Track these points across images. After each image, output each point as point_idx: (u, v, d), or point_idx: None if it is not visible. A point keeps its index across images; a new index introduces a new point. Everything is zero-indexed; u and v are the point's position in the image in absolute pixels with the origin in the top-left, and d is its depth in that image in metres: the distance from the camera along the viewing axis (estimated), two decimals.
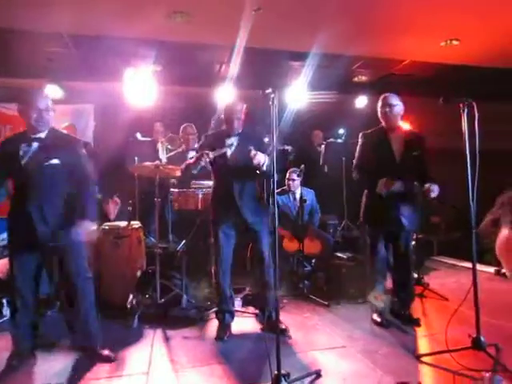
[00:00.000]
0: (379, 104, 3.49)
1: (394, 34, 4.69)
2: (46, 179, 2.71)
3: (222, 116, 3.44)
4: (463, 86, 5.44)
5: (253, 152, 3.09)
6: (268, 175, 3.19)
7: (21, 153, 2.70)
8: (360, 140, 3.64)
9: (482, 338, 2.70)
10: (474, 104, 2.60)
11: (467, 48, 5.04)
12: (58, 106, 6.01)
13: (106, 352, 2.86)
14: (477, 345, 2.69)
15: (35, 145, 2.73)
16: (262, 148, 3.25)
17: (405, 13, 4.15)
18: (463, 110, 2.69)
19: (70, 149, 2.84)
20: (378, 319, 3.48)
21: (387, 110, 3.41)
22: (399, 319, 3.51)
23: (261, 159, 3.13)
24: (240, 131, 3.36)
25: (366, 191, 3.61)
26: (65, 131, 3.76)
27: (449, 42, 4.86)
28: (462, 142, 2.69)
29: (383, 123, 3.50)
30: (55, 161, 2.72)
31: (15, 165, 2.68)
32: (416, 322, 3.44)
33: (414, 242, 3.54)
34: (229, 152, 3.31)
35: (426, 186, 3.23)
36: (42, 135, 2.77)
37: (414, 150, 3.41)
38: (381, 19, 4.31)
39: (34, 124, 2.72)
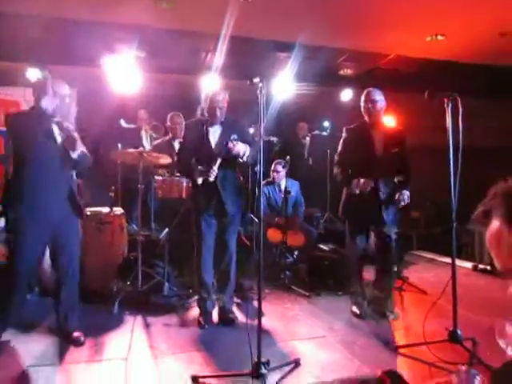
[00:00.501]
0: (362, 99, 3.51)
1: (380, 27, 4.71)
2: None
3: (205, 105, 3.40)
4: (447, 81, 5.50)
5: (230, 144, 3.10)
6: (251, 165, 3.19)
7: None
8: (343, 134, 3.65)
9: (459, 332, 2.76)
10: (459, 99, 2.63)
11: (452, 43, 5.09)
12: None
13: (76, 334, 2.85)
14: (453, 338, 2.74)
15: None
16: (244, 138, 3.25)
17: (391, 7, 4.17)
18: (447, 105, 2.72)
19: None
20: (357, 311, 3.53)
21: (370, 105, 3.43)
22: (377, 310, 3.56)
23: (241, 149, 3.14)
24: (222, 120, 3.33)
25: (345, 187, 3.62)
26: None
27: (434, 37, 4.91)
28: (446, 138, 2.72)
29: (366, 118, 3.51)
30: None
31: None
32: (392, 315, 3.47)
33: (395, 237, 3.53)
34: (213, 142, 3.30)
35: (397, 194, 3.37)
36: None
37: (394, 147, 3.43)
38: (367, 13, 4.32)
39: None
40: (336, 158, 3.68)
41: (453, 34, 4.85)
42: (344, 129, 3.66)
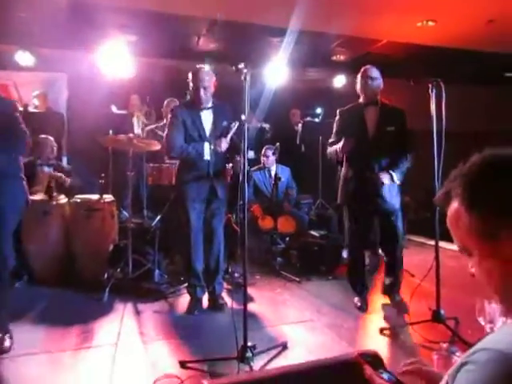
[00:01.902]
0: (359, 76, 3.36)
1: (372, 13, 4.68)
2: None
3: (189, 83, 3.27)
4: (435, 67, 5.51)
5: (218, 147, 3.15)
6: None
7: None
8: (337, 116, 3.54)
9: (442, 312, 2.82)
10: (442, 84, 2.64)
11: (443, 29, 5.08)
12: (28, 74, 5.90)
13: None
14: (437, 318, 2.81)
15: None
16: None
17: None
18: (431, 90, 2.73)
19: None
20: (358, 303, 3.41)
21: (367, 81, 3.28)
22: (390, 301, 3.44)
23: (224, 146, 3.19)
24: (212, 105, 3.29)
25: (341, 170, 3.49)
26: None
27: (425, 22, 4.90)
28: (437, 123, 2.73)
29: (361, 96, 3.38)
30: None
31: None
32: (404, 309, 3.26)
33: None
34: (208, 128, 3.28)
35: (379, 174, 3.21)
36: None
37: (389, 126, 3.25)
38: None
39: None
40: (330, 139, 3.55)
41: (443, 20, 4.84)
42: (338, 111, 3.54)
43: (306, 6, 4.26)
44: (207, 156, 3.19)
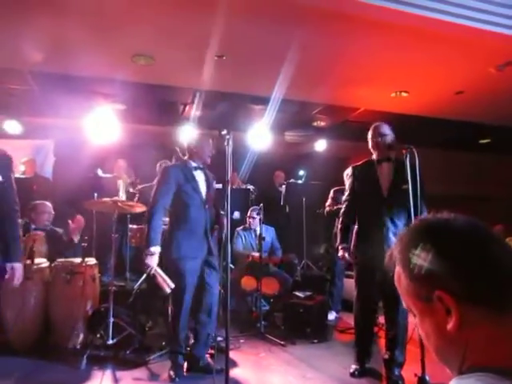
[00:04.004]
0: (370, 134, 3.33)
1: (349, 84, 5.02)
2: None
3: (194, 146, 3.35)
4: (409, 133, 5.82)
5: None
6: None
7: None
8: (349, 172, 3.43)
9: (427, 377, 2.76)
10: (415, 151, 2.79)
11: (415, 99, 5.45)
12: (17, 142, 6.03)
13: None
14: None
15: None
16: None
17: (360, 66, 4.47)
18: (406, 156, 2.87)
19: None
20: (351, 370, 3.28)
21: (379, 139, 3.24)
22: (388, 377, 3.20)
23: None
24: (203, 166, 3.38)
25: (356, 229, 3.35)
26: None
27: (398, 93, 5.25)
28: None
29: (374, 153, 3.33)
30: None
31: None
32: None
33: None
34: (204, 189, 3.33)
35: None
36: None
37: (403, 183, 3.02)
38: (339, 70, 4.63)
39: None
40: (343, 206, 3.49)
41: (415, 91, 5.20)
42: (350, 168, 3.43)
43: (288, 77, 4.55)
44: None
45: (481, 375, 0.69)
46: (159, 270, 3.03)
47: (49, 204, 4.47)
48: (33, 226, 4.27)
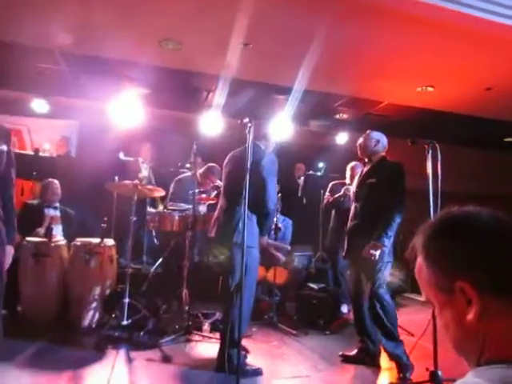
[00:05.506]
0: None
1: (375, 77, 4.94)
2: None
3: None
4: (433, 129, 5.71)
5: None
6: None
7: None
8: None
9: (440, 373, 2.75)
10: (437, 146, 2.75)
11: (441, 95, 5.32)
12: (41, 120, 6.15)
13: None
14: (434, 379, 2.74)
15: None
16: None
17: (387, 60, 4.41)
18: (428, 151, 2.84)
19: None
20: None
21: (360, 141, 3.44)
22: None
23: None
24: None
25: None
26: None
27: (424, 88, 5.13)
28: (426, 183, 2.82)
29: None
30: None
31: None
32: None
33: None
34: None
35: (366, 248, 3.06)
36: None
37: (370, 178, 3.23)
38: (364, 63, 4.55)
39: None
40: None
41: (441, 87, 5.08)
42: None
43: (312, 67, 4.50)
44: None
45: (499, 367, 0.69)
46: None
47: (55, 181, 4.57)
48: (44, 204, 4.39)
